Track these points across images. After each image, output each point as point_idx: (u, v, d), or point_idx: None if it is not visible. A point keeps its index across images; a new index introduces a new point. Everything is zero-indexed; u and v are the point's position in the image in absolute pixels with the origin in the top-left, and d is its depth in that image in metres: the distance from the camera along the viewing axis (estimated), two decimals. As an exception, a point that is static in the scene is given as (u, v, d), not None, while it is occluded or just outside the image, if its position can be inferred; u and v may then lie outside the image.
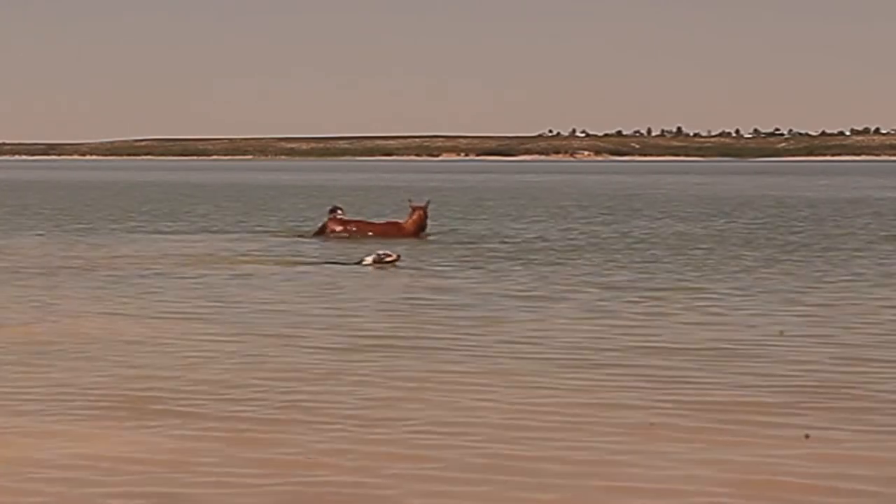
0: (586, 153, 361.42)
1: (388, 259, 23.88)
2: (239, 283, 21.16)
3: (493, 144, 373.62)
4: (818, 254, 27.23)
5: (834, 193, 71.74)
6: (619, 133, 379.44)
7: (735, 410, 10.84)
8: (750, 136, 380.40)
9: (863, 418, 10.58)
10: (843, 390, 11.73)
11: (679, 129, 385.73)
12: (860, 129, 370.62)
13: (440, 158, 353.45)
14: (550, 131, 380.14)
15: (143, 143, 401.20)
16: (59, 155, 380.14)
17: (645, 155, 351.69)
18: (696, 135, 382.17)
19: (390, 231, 32.29)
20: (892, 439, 9.93)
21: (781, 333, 15.27)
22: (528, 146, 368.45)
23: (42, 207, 50.49)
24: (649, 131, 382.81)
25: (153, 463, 9.13)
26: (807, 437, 9.95)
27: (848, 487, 8.60)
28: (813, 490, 8.52)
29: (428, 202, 33.61)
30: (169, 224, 38.87)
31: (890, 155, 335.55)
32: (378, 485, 8.60)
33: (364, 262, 23.77)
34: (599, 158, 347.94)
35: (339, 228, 32.08)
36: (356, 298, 18.88)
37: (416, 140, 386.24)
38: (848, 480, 8.75)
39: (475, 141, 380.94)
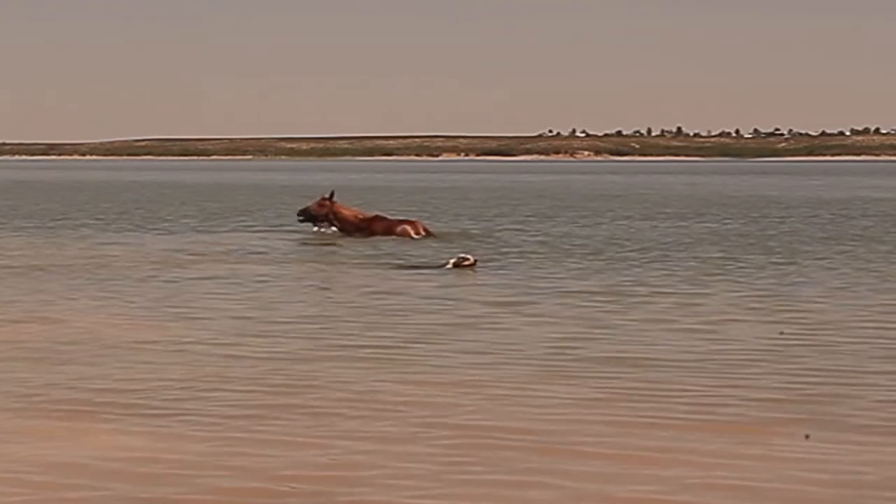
0: (586, 153, 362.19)
1: (466, 263, 22.95)
2: (234, 284, 20.82)
3: (493, 144, 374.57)
4: (815, 255, 26.93)
5: (833, 194, 71.66)
6: (619, 133, 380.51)
7: (734, 414, 10.69)
8: (750, 136, 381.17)
9: (863, 425, 10.42)
10: (844, 397, 11.56)
11: (679, 129, 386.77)
12: (860, 129, 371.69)
13: (440, 158, 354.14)
14: (550, 131, 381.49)
15: (142, 143, 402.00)
16: (59, 155, 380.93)
17: (645, 155, 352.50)
18: (696, 135, 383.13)
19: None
20: (892, 448, 9.80)
21: (782, 333, 15.12)
22: (528, 146, 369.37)
23: (31, 208, 50.11)
24: (649, 131, 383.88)
25: (138, 474, 8.93)
26: (807, 437, 9.86)
27: (849, 494, 8.49)
28: (813, 497, 8.40)
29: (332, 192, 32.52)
30: (159, 224, 38.49)
31: (890, 155, 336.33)
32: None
33: (446, 267, 22.87)
34: (599, 158, 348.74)
35: (420, 234, 30.85)
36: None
37: (416, 140, 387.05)
38: (848, 487, 8.62)
39: (475, 141, 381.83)
